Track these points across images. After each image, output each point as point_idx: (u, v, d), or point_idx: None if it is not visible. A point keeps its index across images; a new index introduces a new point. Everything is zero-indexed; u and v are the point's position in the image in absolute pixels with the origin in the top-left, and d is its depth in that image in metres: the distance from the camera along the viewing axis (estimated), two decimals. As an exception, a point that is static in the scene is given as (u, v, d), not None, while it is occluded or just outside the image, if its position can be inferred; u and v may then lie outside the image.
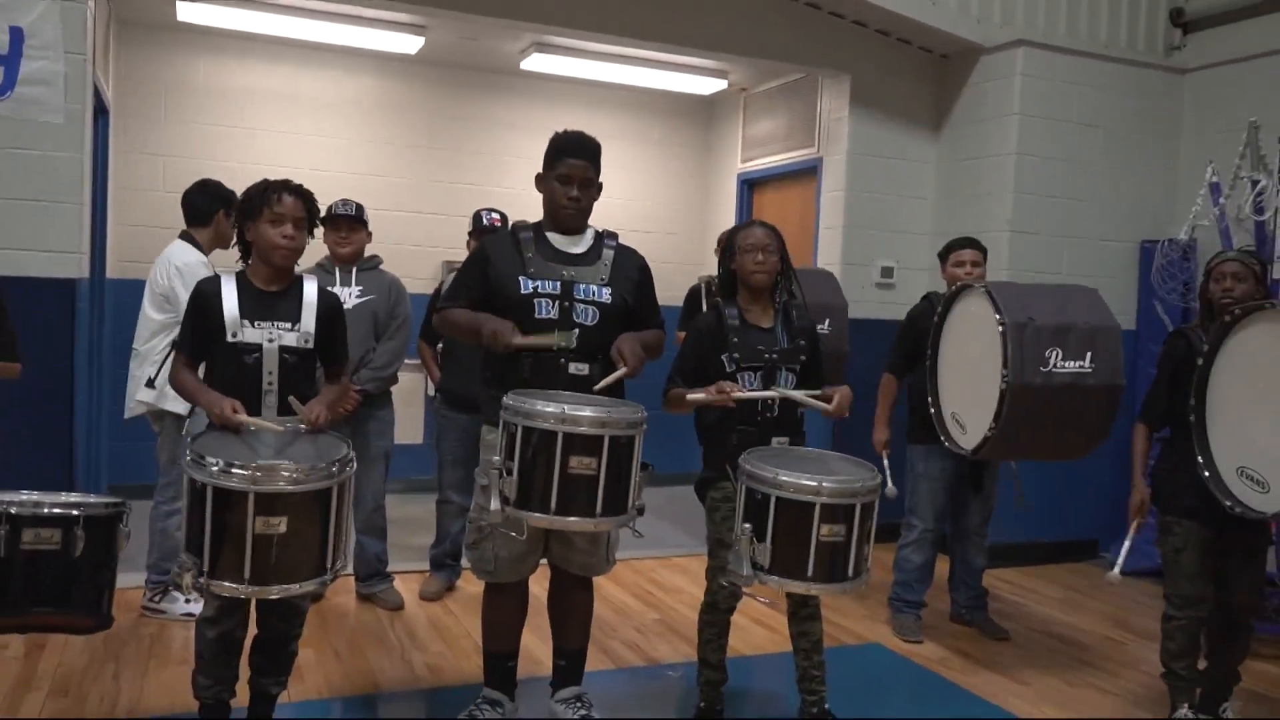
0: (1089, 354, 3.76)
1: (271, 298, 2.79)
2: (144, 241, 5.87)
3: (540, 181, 3.06)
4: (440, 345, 4.61)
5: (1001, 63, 5.53)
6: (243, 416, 2.58)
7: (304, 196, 2.82)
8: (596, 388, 2.79)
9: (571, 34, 5.28)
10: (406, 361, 4.84)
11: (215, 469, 2.31)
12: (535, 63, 6.23)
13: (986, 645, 4.25)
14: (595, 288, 2.96)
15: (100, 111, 5.35)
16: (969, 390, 3.93)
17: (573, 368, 2.89)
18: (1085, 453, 4.05)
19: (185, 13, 5.47)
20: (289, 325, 2.78)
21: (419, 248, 6.54)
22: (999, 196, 5.53)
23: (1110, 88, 5.65)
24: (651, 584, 4.90)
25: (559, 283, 2.93)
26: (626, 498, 2.60)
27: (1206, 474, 3.24)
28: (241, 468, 2.30)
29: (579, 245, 3.04)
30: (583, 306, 2.93)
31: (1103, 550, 5.84)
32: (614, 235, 3.11)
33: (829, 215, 5.95)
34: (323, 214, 4.14)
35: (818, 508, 2.62)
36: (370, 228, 4.30)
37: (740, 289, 3.21)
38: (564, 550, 3.02)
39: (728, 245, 3.26)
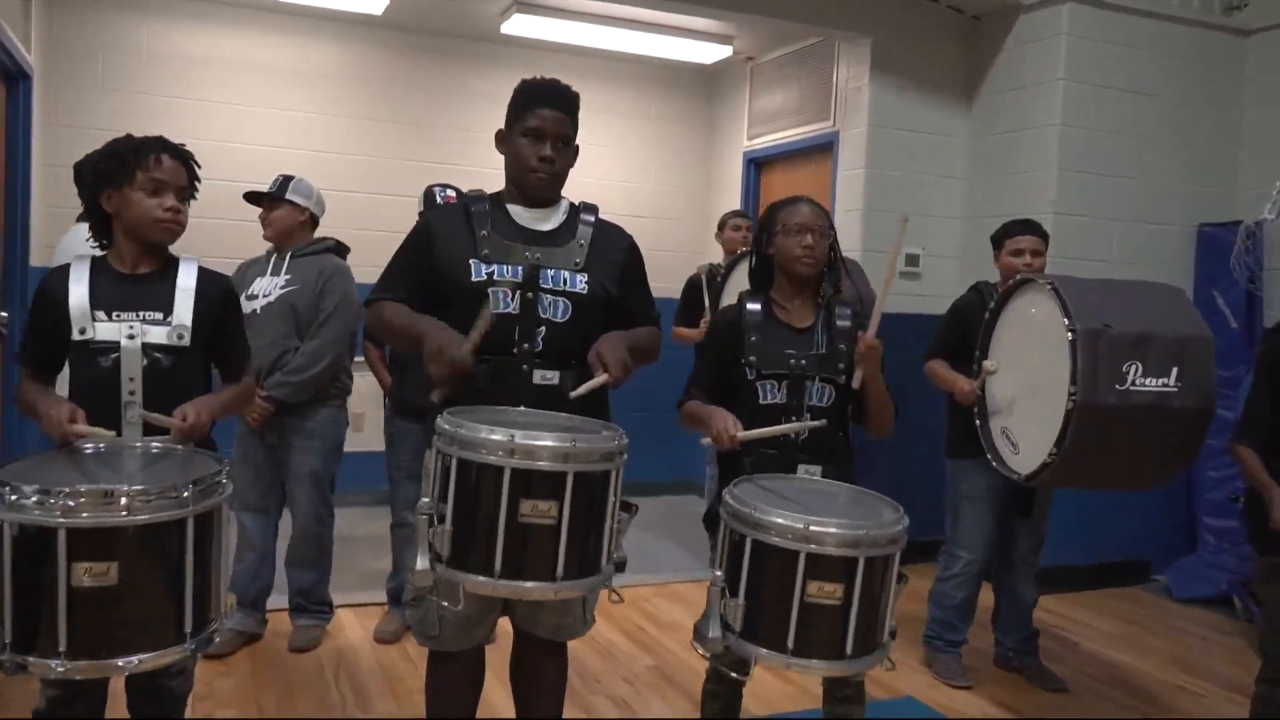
0: (1175, 370, 3.10)
1: (135, 284, 2.21)
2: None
3: (502, 140, 2.42)
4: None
5: (1044, 21, 4.87)
6: (80, 427, 1.96)
7: (184, 158, 2.24)
8: (572, 395, 2.15)
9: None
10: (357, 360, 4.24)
11: (14, 500, 1.67)
12: (517, 25, 5.56)
13: (1039, 697, 3.60)
14: (568, 274, 2.32)
15: (20, 77, 4.73)
16: (1025, 404, 3.31)
17: (538, 376, 2.27)
18: (1162, 483, 3.40)
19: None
20: (158, 317, 2.19)
21: (386, 233, 5.80)
22: (1040, 174, 4.88)
23: (1166, 51, 5.00)
24: (644, 618, 4.25)
25: (520, 267, 2.29)
26: (599, 552, 1.95)
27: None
28: (50, 496, 1.67)
29: (548, 220, 2.40)
30: (551, 298, 2.30)
31: (1155, 573, 5.20)
32: (593, 208, 2.47)
33: (847, 197, 5.30)
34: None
35: (803, 558, 1.95)
36: (307, 204, 3.71)
37: (778, 279, 2.61)
38: (529, 609, 2.37)
39: (765, 224, 2.64)
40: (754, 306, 2.56)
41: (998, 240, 3.77)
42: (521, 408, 2.21)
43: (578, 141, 2.44)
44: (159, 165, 2.19)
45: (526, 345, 2.26)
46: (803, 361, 2.49)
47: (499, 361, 2.25)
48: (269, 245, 3.74)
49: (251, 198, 3.72)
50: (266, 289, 3.61)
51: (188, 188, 2.26)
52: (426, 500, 1.92)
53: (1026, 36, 4.96)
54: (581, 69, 6.21)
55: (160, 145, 2.22)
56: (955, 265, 5.32)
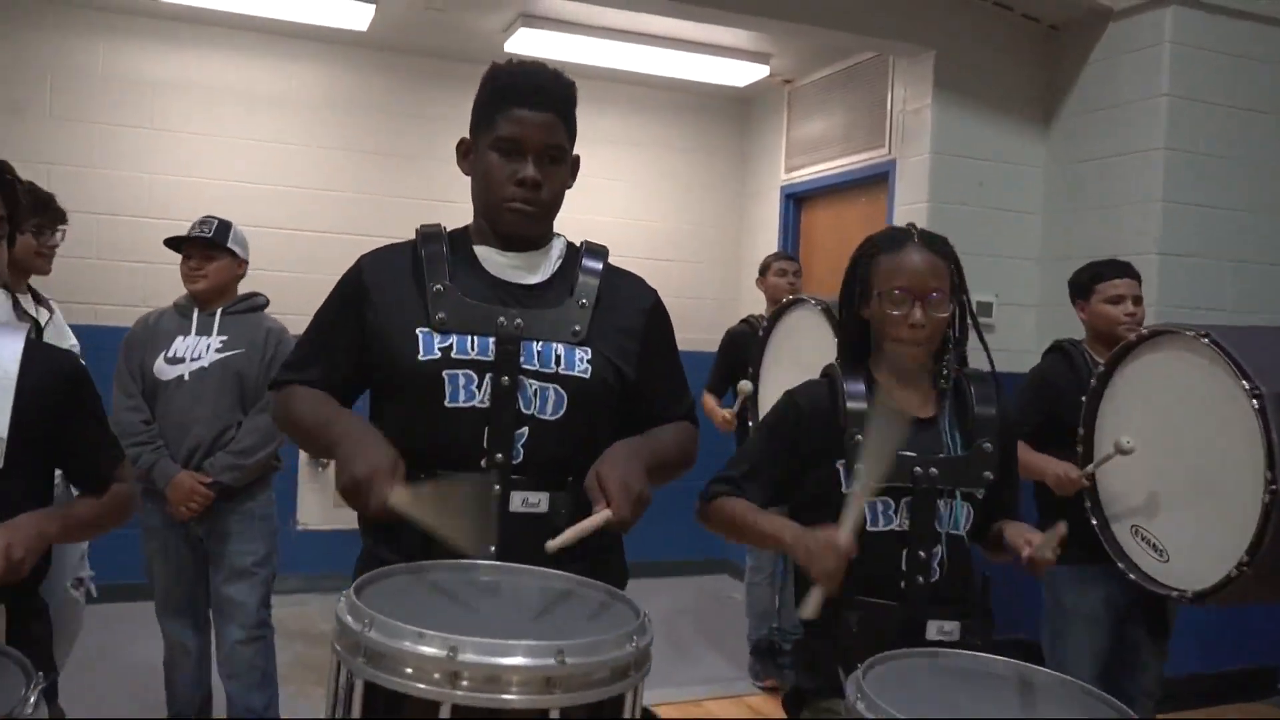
0: (1382, 438, 2.34)
1: None
2: (16, 273, 4.56)
3: (465, 155, 1.71)
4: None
5: (1141, 29, 4.13)
6: None
7: None
8: (551, 545, 1.37)
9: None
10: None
11: None
12: (522, 43, 4.87)
13: None
14: (562, 349, 1.58)
15: (-57, 102, 4.08)
16: (1167, 495, 2.54)
17: (517, 500, 1.53)
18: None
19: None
20: None
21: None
22: (1139, 207, 4.11)
23: (1286, 61, 4.25)
24: (673, 754, 3.45)
25: (492, 340, 1.55)
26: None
27: None
28: None
29: (534, 269, 1.66)
30: (537, 385, 1.55)
31: (1284, 683, 4.35)
32: (600, 251, 1.72)
33: (905, 235, 4.55)
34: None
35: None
36: (245, 256, 3.17)
37: (878, 351, 1.87)
38: None
39: (857, 271, 1.88)
40: (854, 387, 1.80)
41: (1083, 286, 3.09)
42: (491, 552, 1.46)
43: (579, 155, 1.72)
44: None
45: (500, 455, 1.53)
46: (932, 469, 1.74)
47: (460, 481, 1.51)
48: (183, 298, 3.14)
49: (176, 243, 3.11)
50: (195, 350, 3.01)
51: (3, 219, 1.55)
52: (317, 743, 1.15)
53: (1120, 47, 4.22)
54: (596, 94, 5.51)
55: None
56: (1033, 316, 4.55)
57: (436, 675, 1.06)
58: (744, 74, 5.32)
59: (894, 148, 4.72)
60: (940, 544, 1.73)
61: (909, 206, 4.54)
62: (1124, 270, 3.05)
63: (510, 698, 1.06)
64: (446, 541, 1.34)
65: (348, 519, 4.90)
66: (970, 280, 4.53)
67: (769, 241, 5.66)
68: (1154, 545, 2.58)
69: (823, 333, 3.51)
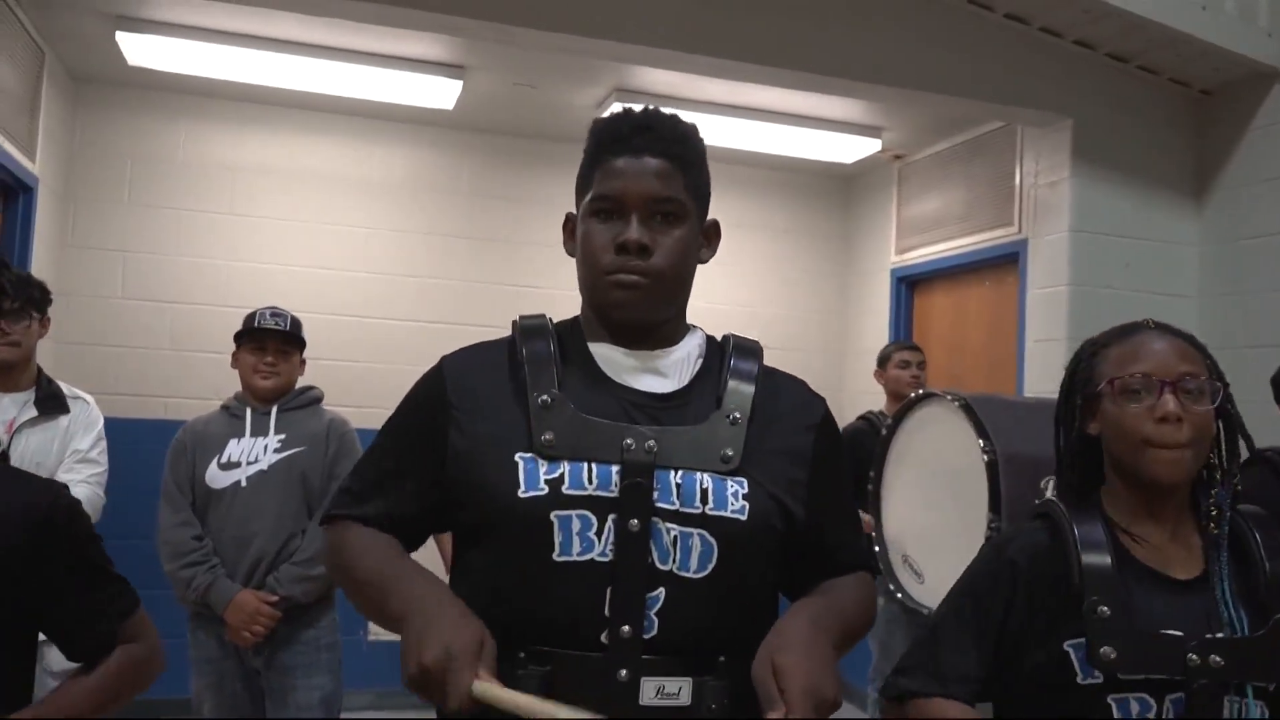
0: None
1: None
2: (91, 362, 4.39)
3: (572, 234, 1.32)
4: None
5: (1313, 90, 3.68)
6: None
7: None
8: None
9: (667, 57, 3.60)
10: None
11: None
12: (617, 119, 4.59)
13: None
14: (712, 482, 1.17)
15: (18, 189, 3.93)
16: None
17: (649, 689, 1.11)
18: None
19: (135, 53, 4.00)
20: None
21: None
22: (1320, 290, 3.60)
23: None
24: None
25: (615, 468, 1.15)
26: None
27: None
28: None
29: (666, 371, 1.27)
30: (676, 531, 1.15)
31: None
32: (753, 350, 1.32)
33: (1040, 323, 4.08)
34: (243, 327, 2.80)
35: None
36: (305, 349, 2.96)
37: (1113, 479, 1.41)
38: None
39: (1079, 377, 1.44)
40: (1090, 533, 1.33)
41: None
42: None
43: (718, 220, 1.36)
44: None
45: (627, 627, 1.11)
46: (1214, 657, 1.24)
47: (567, 662, 1.11)
48: (235, 397, 2.87)
49: (247, 335, 2.82)
50: (252, 453, 2.73)
51: None
52: None
53: (1286, 111, 3.76)
54: (693, 173, 5.20)
55: None
56: (1193, 411, 4.01)
57: None
58: (853, 149, 4.94)
59: (1025, 226, 4.27)
60: None
61: (1044, 290, 4.09)
62: None
63: None
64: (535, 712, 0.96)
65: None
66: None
67: (878, 328, 5.23)
68: None
69: (962, 436, 3.05)
